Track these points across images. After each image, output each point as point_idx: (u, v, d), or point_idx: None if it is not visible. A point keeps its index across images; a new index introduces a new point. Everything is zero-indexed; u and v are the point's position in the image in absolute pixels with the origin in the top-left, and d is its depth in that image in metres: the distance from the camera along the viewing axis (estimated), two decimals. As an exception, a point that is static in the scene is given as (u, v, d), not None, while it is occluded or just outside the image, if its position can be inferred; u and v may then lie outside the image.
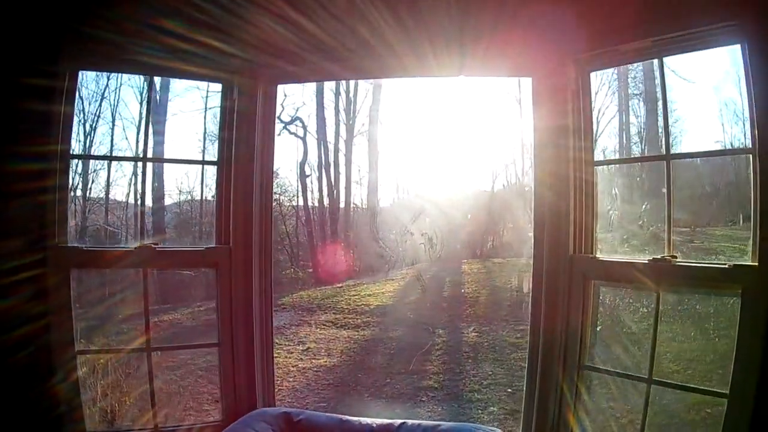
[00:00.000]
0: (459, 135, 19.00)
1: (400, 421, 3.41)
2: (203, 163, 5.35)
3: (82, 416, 3.50)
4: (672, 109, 9.86)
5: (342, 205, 17.84)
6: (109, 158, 13.44)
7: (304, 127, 17.04)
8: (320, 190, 17.50)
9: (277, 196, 16.94)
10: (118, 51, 3.35)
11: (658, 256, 2.99)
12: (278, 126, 16.19)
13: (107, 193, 12.58)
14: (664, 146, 3.17)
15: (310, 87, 17.12)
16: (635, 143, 11.31)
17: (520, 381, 8.14)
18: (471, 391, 8.01)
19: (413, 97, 21.97)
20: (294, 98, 17.29)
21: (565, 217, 3.28)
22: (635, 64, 10.63)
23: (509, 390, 7.90)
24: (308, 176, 17.22)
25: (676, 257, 2.94)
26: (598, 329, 3.34)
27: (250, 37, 3.41)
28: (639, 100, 11.99)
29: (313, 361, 9.51)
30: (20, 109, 3.19)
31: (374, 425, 3.38)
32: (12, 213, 3.20)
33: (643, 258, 3.06)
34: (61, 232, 3.38)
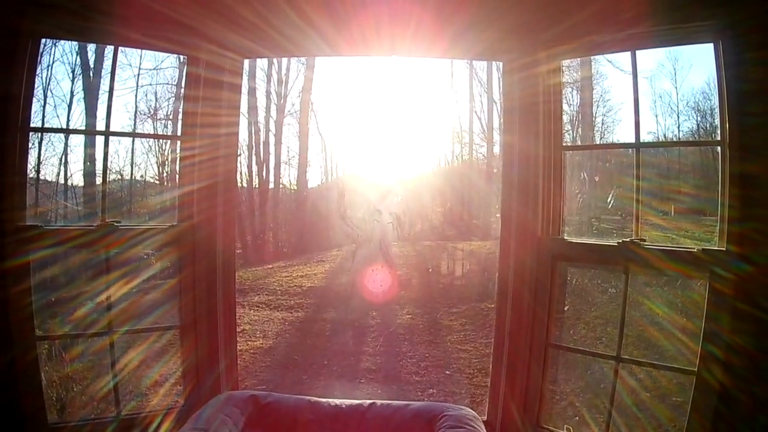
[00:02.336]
0: (405, 117, 18.96)
1: (369, 401, 3.40)
2: (165, 137, 5.18)
3: (44, 405, 3.39)
4: (606, 99, 10.07)
5: (271, 185, 17.73)
6: (68, 131, 13.03)
7: (236, 107, 16.85)
8: (249, 171, 17.32)
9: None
10: (82, 20, 3.22)
11: (627, 239, 3.05)
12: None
13: (65, 173, 12.24)
14: (634, 135, 3.22)
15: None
16: (567, 131, 11.55)
17: (457, 362, 8.24)
18: (409, 373, 8.04)
19: (353, 76, 21.81)
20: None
21: (533, 199, 3.33)
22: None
23: (447, 372, 7.97)
24: (239, 156, 17.03)
25: (644, 240, 3.01)
26: (566, 309, 3.40)
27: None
28: (573, 89, 12.23)
29: (249, 343, 9.45)
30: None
31: (344, 406, 3.37)
32: None
33: (611, 241, 3.12)
34: (20, 211, 3.24)
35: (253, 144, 17.33)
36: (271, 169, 17.67)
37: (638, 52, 3.04)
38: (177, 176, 3.63)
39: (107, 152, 3.64)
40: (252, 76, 17.10)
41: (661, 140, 11.39)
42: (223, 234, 3.60)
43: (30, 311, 3.26)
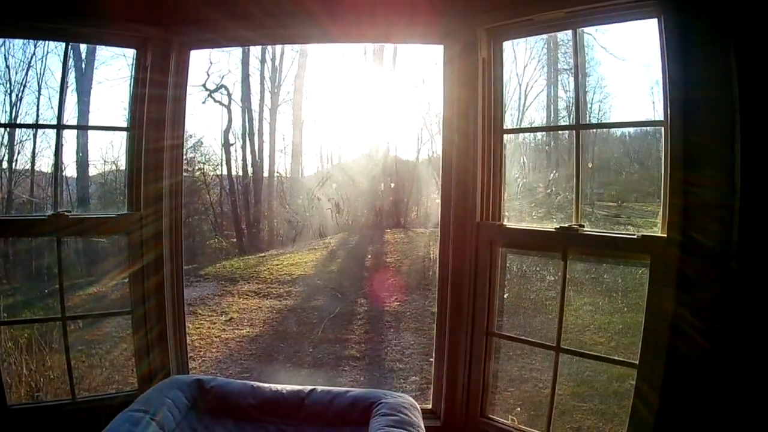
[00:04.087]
0: (386, 104, 18.77)
1: (310, 387, 3.47)
2: (114, 129, 5.24)
3: (2, 388, 3.48)
4: (602, 85, 10.04)
5: (266, 174, 17.70)
6: (28, 126, 13.04)
7: (229, 95, 16.79)
8: (244, 159, 17.32)
9: (201, 165, 16.75)
10: (33, 17, 3.28)
11: (565, 225, 3.05)
12: (203, 94, 16.01)
13: (33, 164, 12.23)
14: (574, 117, 3.24)
15: (236, 54, 16.88)
16: (563, 117, 11.50)
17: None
18: (393, 360, 8.09)
19: (342, 65, 21.63)
20: (219, 65, 17.09)
21: (471, 184, 3.34)
22: (566, 39, 10.76)
23: (431, 359, 8.03)
24: (232, 145, 17.02)
25: (583, 226, 3.01)
26: (505, 296, 3.42)
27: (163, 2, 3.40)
28: (569, 75, 12.14)
29: (236, 331, 9.51)
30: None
31: (284, 391, 3.43)
32: None
33: (550, 226, 3.14)
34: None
35: (247, 132, 17.30)
36: (265, 157, 17.67)
37: (635, 38, 2.98)
38: (126, 166, 3.68)
39: (60, 144, 3.69)
40: (246, 63, 17.08)
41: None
42: (170, 223, 3.68)
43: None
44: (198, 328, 9.40)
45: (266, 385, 3.51)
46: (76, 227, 3.64)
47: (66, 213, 3.50)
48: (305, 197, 16.55)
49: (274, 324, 9.84)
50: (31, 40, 11.71)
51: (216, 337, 9.12)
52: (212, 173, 17.04)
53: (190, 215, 16.29)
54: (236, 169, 17.27)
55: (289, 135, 17.93)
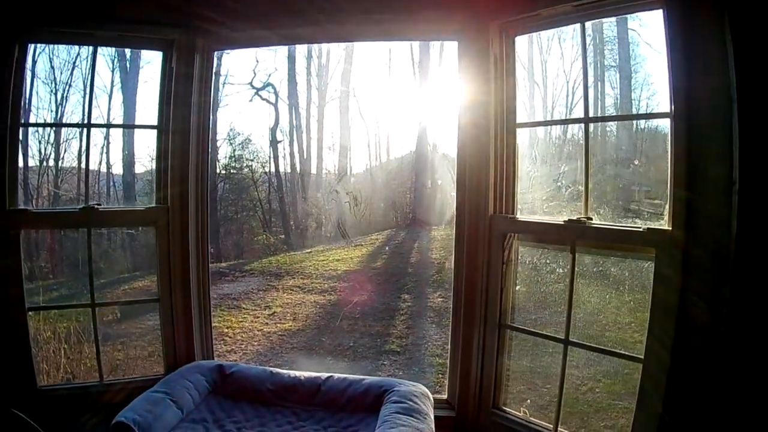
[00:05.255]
0: (431, 100, 18.68)
1: (327, 374, 3.58)
2: (143, 127, 5.43)
3: (33, 371, 3.65)
4: (650, 82, 9.90)
5: (314, 170, 17.84)
6: (53, 125, 13.33)
7: (276, 93, 17.01)
8: (292, 156, 17.47)
9: (249, 162, 16.96)
10: (63, 23, 3.46)
11: (574, 218, 3.06)
12: (250, 92, 16.23)
13: (79, 161, 12.52)
14: (583, 110, 3.26)
15: (282, 52, 17.09)
16: (610, 114, 11.39)
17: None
18: (432, 355, 8.11)
19: (388, 61, 21.60)
20: (266, 64, 17.28)
21: (484, 178, 3.39)
22: (612, 36, 10.64)
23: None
24: (280, 142, 17.21)
25: (591, 219, 3.01)
26: (517, 289, 3.45)
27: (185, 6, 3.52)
28: (615, 71, 12.00)
29: (279, 325, 9.57)
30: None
31: (302, 378, 3.55)
32: None
33: (560, 219, 3.15)
34: (11, 197, 3.50)
35: (295, 129, 17.46)
36: (313, 154, 17.81)
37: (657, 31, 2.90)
38: (155, 162, 3.82)
39: (89, 142, 3.85)
40: (292, 61, 17.24)
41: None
42: (196, 216, 3.83)
43: (20, 285, 3.53)
44: (241, 321, 9.53)
45: (285, 371, 3.64)
46: (104, 219, 3.82)
47: (96, 206, 3.66)
48: (352, 194, 16.64)
49: (317, 319, 9.90)
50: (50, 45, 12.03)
51: (258, 330, 9.22)
52: (260, 170, 17.23)
53: (238, 212, 16.53)
54: (284, 166, 17.45)
55: (337, 132, 18.05)
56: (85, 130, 3.84)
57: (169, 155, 3.71)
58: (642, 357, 2.78)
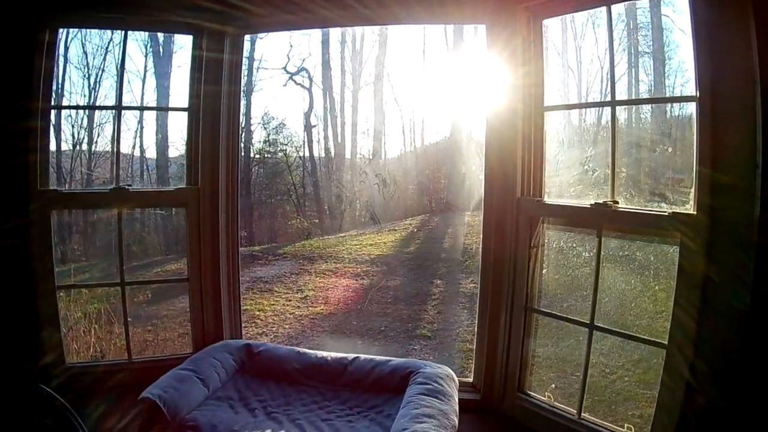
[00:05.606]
0: (466, 85, 18.57)
1: (354, 355, 3.60)
2: (173, 109, 5.41)
3: (62, 348, 3.73)
4: (684, 69, 9.78)
5: (348, 155, 17.88)
6: (86, 107, 13.48)
7: (310, 78, 17.06)
8: (326, 141, 17.52)
9: (284, 147, 17.03)
10: (93, 6, 3.50)
11: (600, 201, 3.02)
12: (284, 77, 16.27)
13: (113, 145, 12.67)
14: (610, 94, 3.22)
15: (316, 38, 17.15)
16: (644, 112, 11.28)
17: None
18: (463, 341, 8.11)
19: (422, 46, 21.51)
20: (300, 49, 17.33)
21: (512, 161, 3.38)
22: (645, 23, 10.52)
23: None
24: (314, 127, 17.26)
25: (617, 203, 2.98)
26: (544, 272, 3.43)
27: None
28: (649, 58, 11.86)
29: (310, 308, 9.63)
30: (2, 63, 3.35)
31: (329, 358, 3.58)
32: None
33: (586, 202, 3.12)
34: (42, 178, 3.56)
35: (329, 114, 17.50)
36: (347, 139, 17.84)
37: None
38: (186, 143, 3.87)
39: (120, 125, 3.89)
40: (326, 46, 17.27)
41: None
42: (226, 197, 3.87)
43: (51, 264, 3.60)
44: (273, 304, 9.59)
45: (312, 351, 3.68)
46: (135, 200, 3.87)
47: (126, 187, 3.71)
48: (381, 176, 16.68)
49: (349, 302, 9.94)
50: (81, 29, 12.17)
51: (290, 314, 9.28)
52: (294, 155, 17.30)
53: (272, 196, 16.61)
54: (318, 151, 17.51)
55: (371, 117, 18.05)
56: (117, 113, 3.87)
57: (199, 137, 3.76)
58: (665, 343, 2.75)
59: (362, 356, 3.61)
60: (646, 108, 9.07)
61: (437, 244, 13.27)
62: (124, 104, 3.96)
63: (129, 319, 3.89)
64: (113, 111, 4.73)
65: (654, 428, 2.77)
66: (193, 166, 3.82)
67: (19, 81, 3.40)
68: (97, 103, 12.18)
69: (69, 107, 14.83)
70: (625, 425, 2.98)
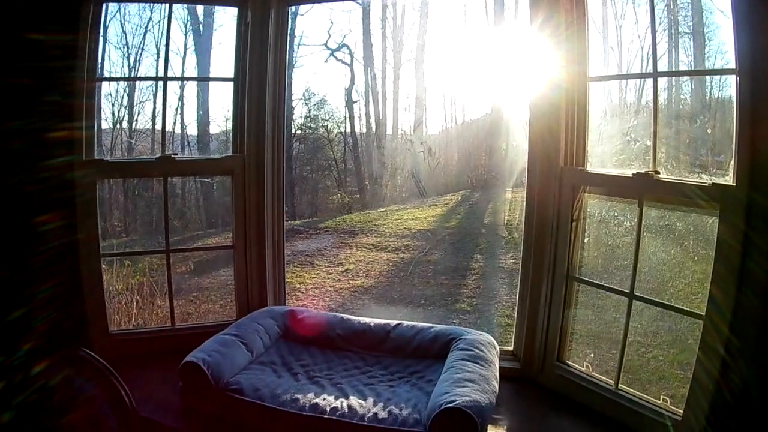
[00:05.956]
0: (508, 60, 18.33)
1: (396, 322, 3.66)
2: (220, 80, 5.48)
3: (105, 314, 3.83)
4: (723, 50, 9.64)
5: (389, 131, 17.85)
6: (130, 79, 13.60)
7: (351, 54, 17.03)
8: (367, 116, 17.52)
9: (325, 122, 17.09)
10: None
11: (642, 171, 3.01)
12: (325, 53, 16.31)
13: (153, 121, 12.83)
14: (651, 65, 3.20)
15: (357, 13, 17.10)
16: (684, 82, 11.14)
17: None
18: (502, 316, 8.13)
19: (463, 21, 21.26)
20: (341, 25, 17.31)
21: (556, 131, 3.37)
22: (686, 3, 10.36)
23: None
24: (356, 102, 17.26)
25: (658, 173, 2.97)
26: (585, 241, 3.43)
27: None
28: (689, 39, 11.68)
29: (351, 281, 9.69)
30: (49, 37, 3.42)
31: (371, 324, 3.65)
32: (46, 135, 3.48)
33: (627, 172, 3.12)
34: (89, 149, 3.64)
35: (370, 90, 17.49)
36: (389, 115, 17.81)
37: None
38: (231, 114, 3.92)
39: (165, 93, 3.95)
40: (366, 22, 17.23)
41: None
42: (272, 165, 3.94)
43: (96, 233, 3.70)
44: (314, 277, 9.66)
45: (355, 318, 3.76)
46: (181, 168, 3.95)
47: (173, 155, 3.78)
48: (427, 144, 16.66)
49: (389, 276, 9.99)
50: (146, 6, 12.25)
51: (330, 286, 9.35)
52: (336, 130, 17.35)
53: (313, 171, 16.69)
54: (359, 127, 17.52)
55: (412, 93, 17.99)
56: (160, 88, 3.94)
57: (245, 107, 3.82)
58: (702, 314, 2.74)
59: (404, 323, 3.66)
60: (686, 88, 8.98)
61: (478, 220, 13.23)
62: (164, 75, 4.03)
63: (165, 293, 3.97)
64: (153, 89, 4.81)
65: (689, 404, 2.77)
66: (239, 136, 3.88)
67: (65, 53, 3.47)
68: (138, 83, 12.34)
69: (113, 79, 14.93)
70: (661, 396, 2.99)
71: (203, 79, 14.94)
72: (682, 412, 2.78)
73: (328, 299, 8.82)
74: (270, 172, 3.92)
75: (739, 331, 2.57)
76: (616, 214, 3.46)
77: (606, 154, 3.54)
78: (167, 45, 3.91)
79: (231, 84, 3.88)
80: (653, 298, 3.21)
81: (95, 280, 3.71)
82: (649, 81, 3.21)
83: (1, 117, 3.37)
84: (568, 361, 3.48)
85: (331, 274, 9.96)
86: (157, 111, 12.77)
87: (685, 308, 3.05)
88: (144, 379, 3.32)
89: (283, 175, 3.99)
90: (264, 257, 3.94)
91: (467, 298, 8.82)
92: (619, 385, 3.16)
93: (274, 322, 3.65)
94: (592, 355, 3.80)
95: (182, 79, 12.71)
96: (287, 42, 3.89)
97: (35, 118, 3.41)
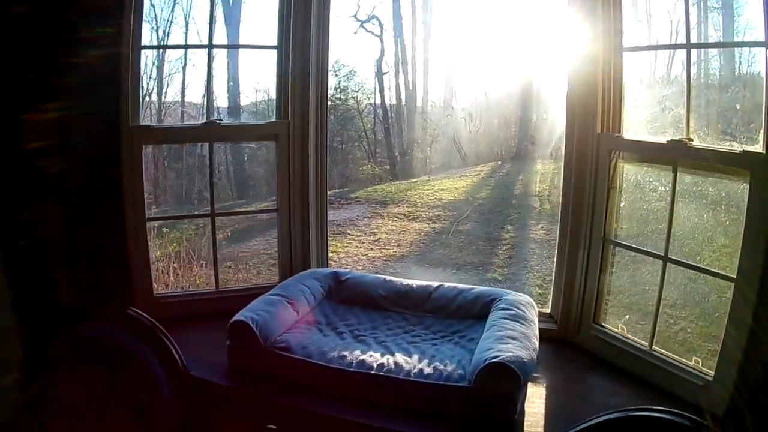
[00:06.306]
0: (540, 33, 18.20)
1: (438, 283, 3.75)
2: (265, 47, 5.49)
3: (151, 278, 3.96)
4: (752, 26, 9.57)
5: (419, 102, 17.84)
6: (178, 47, 13.68)
7: (381, 26, 16.98)
8: (397, 88, 17.50)
9: (355, 93, 17.10)
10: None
11: (676, 138, 3.07)
12: (355, 24, 16.27)
13: (182, 94, 12.88)
14: (684, 36, 3.23)
15: (387, -16, 17.06)
16: (713, 56, 11.08)
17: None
18: (533, 285, 8.20)
19: None
20: (371, -4, 17.25)
21: (593, 97, 3.42)
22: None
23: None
24: (385, 74, 17.24)
25: (692, 140, 3.02)
26: (621, 205, 3.49)
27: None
28: (719, 14, 11.58)
29: (383, 251, 9.77)
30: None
31: (414, 285, 3.74)
32: (91, 100, 3.52)
33: (662, 138, 3.20)
34: (134, 114, 3.70)
35: (400, 62, 17.46)
36: (419, 86, 17.77)
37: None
38: (276, 80, 4.00)
39: (210, 61, 4.03)
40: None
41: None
42: (316, 130, 4.03)
43: (141, 197, 3.80)
44: (346, 247, 9.74)
45: (398, 279, 3.84)
46: (227, 133, 4.05)
47: (218, 120, 3.90)
48: (467, 110, 16.62)
49: (421, 245, 10.06)
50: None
51: (363, 255, 9.43)
52: (366, 102, 17.36)
53: (343, 142, 16.72)
54: (389, 98, 17.50)
55: (443, 65, 17.95)
56: (189, 60, 4.00)
57: (290, 74, 3.90)
58: (734, 277, 2.78)
59: (445, 284, 3.75)
60: (716, 63, 8.95)
61: (508, 191, 13.21)
62: (191, 53, 4.11)
63: (203, 262, 4.05)
64: (182, 61, 4.87)
65: (718, 371, 2.82)
66: (282, 102, 3.96)
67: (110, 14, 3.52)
68: (167, 54, 12.38)
69: (157, 47, 15.02)
70: (693, 358, 3.06)
71: (246, 47, 14.87)
72: (713, 373, 2.84)
73: (360, 268, 8.87)
74: (314, 136, 4.01)
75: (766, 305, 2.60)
76: (651, 179, 3.50)
77: (641, 122, 3.58)
78: (212, 11, 3.95)
79: (275, 51, 3.94)
80: (687, 261, 3.27)
81: (141, 242, 3.82)
82: (678, 54, 3.24)
83: (61, 87, 3.45)
84: (603, 323, 3.55)
85: (363, 243, 10.04)
86: (186, 83, 12.80)
87: (717, 271, 3.10)
88: (189, 341, 3.38)
89: (326, 140, 4.07)
90: (308, 220, 4.04)
91: (498, 267, 8.87)
92: (653, 346, 3.23)
93: (318, 283, 3.74)
94: (627, 317, 3.85)
95: (228, 47, 12.72)
96: (329, 9, 3.94)
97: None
